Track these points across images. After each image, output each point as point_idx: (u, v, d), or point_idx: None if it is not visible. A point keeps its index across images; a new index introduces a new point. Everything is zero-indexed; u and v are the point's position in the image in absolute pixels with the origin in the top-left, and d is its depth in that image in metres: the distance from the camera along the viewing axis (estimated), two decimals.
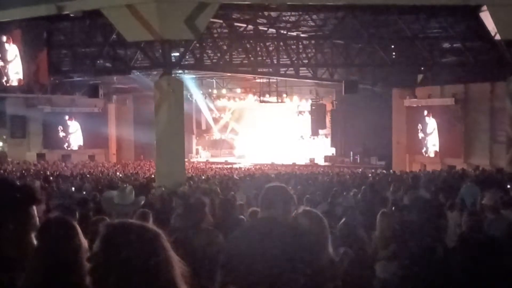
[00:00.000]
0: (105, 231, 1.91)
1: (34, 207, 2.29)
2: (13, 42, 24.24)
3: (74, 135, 41.43)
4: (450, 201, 9.97)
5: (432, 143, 33.10)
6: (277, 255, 1.88)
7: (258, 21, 26.23)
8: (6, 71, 25.02)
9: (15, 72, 24.71)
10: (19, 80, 24.84)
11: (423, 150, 33.73)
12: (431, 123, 32.99)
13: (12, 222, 2.21)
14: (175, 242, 4.79)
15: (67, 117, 40.77)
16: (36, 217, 2.29)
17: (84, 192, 16.30)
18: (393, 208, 8.69)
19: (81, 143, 41.76)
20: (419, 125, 33.68)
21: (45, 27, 22.94)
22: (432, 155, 33.12)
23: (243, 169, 35.82)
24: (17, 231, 2.23)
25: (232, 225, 5.68)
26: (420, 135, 33.81)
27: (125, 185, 5.34)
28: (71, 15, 20.71)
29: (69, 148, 41.37)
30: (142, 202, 5.51)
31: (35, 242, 2.29)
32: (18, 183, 2.35)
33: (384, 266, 5.77)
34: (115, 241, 1.89)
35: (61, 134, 40.88)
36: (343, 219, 6.76)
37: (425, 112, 33.17)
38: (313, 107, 39.86)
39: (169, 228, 8.08)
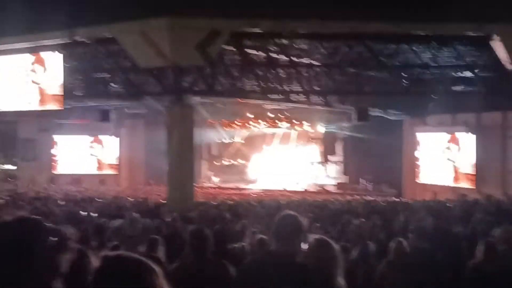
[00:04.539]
0: (101, 263, 1.89)
1: (64, 256, 2.21)
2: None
3: (85, 159, 41.60)
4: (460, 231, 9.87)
5: (443, 171, 32.87)
6: None
7: (270, 48, 26.32)
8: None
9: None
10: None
11: (433, 179, 33.50)
12: (442, 151, 32.80)
13: (38, 268, 2.11)
14: (183, 272, 4.78)
15: (77, 141, 41.00)
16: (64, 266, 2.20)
17: (96, 215, 16.31)
18: (407, 235, 8.59)
19: (92, 167, 41.87)
20: (430, 153, 33.51)
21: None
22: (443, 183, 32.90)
23: (253, 195, 35.69)
24: (42, 279, 2.13)
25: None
26: (431, 162, 33.63)
27: (132, 214, 5.19)
28: (84, 41, 20.88)
29: (79, 172, 41.46)
30: (151, 229, 5.36)
31: None
32: (51, 227, 2.27)
33: None
34: (110, 275, 1.86)
35: (72, 158, 41.05)
36: (356, 250, 6.73)
37: (435, 140, 33.04)
38: (324, 134, 39.86)
39: (178, 256, 8.08)
